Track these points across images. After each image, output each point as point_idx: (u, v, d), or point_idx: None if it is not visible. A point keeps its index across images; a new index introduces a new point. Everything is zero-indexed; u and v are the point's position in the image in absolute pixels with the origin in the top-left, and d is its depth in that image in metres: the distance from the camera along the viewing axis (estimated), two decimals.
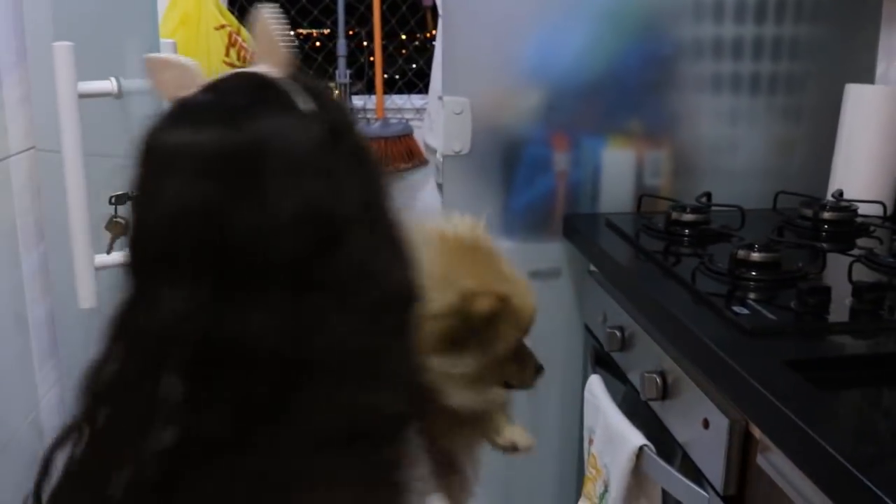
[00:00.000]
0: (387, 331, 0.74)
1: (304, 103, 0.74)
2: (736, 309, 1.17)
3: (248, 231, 0.70)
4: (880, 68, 1.82)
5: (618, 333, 1.48)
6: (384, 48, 2.89)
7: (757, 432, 1.05)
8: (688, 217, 1.57)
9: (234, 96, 0.76)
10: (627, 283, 1.49)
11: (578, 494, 1.77)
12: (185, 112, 0.75)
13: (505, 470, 1.81)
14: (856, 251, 1.48)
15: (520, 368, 1.01)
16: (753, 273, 1.30)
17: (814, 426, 0.87)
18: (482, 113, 1.72)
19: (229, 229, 0.70)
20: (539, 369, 1.03)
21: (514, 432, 1.05)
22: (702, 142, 1.81)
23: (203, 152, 0.71)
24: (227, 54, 2.68)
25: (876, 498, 0.75)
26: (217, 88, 0.77)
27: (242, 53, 2.68)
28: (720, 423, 1.11)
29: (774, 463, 1.01)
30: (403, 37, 3.04)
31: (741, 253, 1.30)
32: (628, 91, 1.76)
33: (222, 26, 2.66)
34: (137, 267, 0.73)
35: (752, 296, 1.24)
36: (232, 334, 0.69)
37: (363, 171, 0.77)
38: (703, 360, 1.13)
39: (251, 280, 0.70)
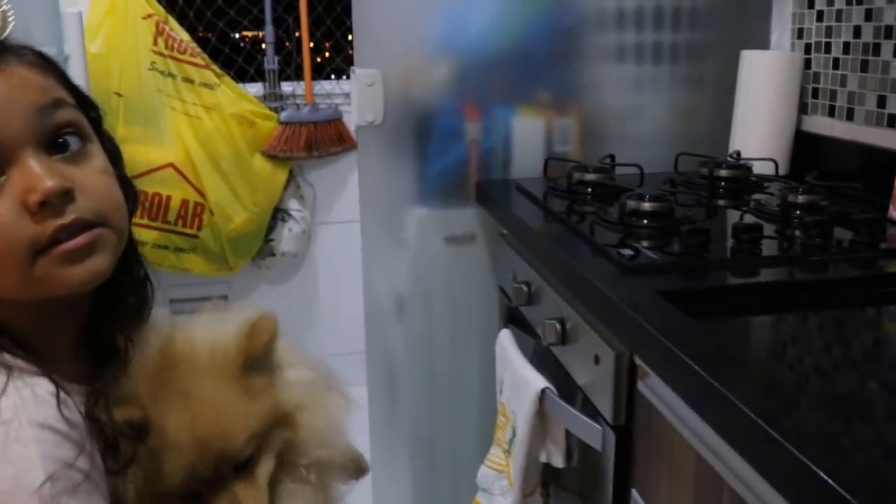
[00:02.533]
0: None
1: None
2: (622, 251, 1.24)
3: None
4: (774, 36, 1.91)
5: (524, 288, 1.55)
6: (311, 34, 2.93)
7: (639, 361, 1.13)
8: (590, 177, 1.64)
9: None
10: (534, 242, 1.56)
11: None
12: None
13: (429, 426, 1.88)
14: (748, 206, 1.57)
15: None
16: (644, 221, 1.37)
17: (683, 349, 0.94)
18: (394, 84, 1.78)
19: None
20: None
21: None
22: (608, 109, 1.88)
23: None
24: (155, 43, 2.71)
25: (737, 411, 0.81)
26: None
27: (170, 42, 2.71)
28: (608, 356, 1.18)
29: (654, 388, 1.08)
30: (328, 22, 3.08)
31: (631, 203, 1.38)
32: (536, 61, 1.84)
33: (149, 15, 2.69)
34: None
35: (641, 242, 1.32)
36: None
37: None
38: (591, 300, 1.20)
39: None
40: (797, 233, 1.35)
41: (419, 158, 1.83)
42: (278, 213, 2.94)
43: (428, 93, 1.80)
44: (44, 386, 0.77)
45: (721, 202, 1.62)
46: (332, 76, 3.09)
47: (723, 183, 1.68)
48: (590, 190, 1.64)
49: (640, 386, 1.10)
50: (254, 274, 2.98)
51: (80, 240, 0.80)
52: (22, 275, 0.78)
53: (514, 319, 1.70)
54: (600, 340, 1.21)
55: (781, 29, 1.89)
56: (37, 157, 0.78)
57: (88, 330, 0.91)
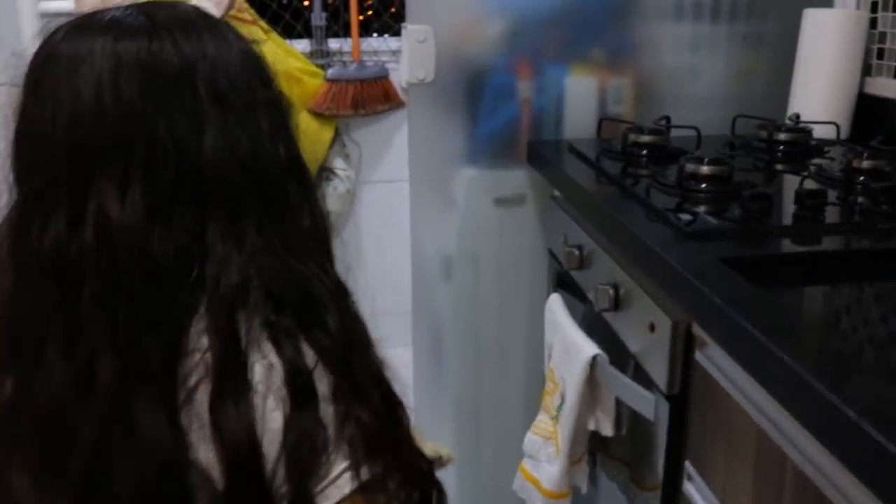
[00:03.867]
0: None
1: (233, 36, 0.79)
2: (680, 216, 1.21)
3: (178, 139, 0.74)
4: None
5: (576, 252, 1.52)
6: None
7: (697, 330, 1.10)
8: (645, 138, 1.60)
9: (165, 15, 0.79)
10: (587, 205, 1.53)
11: None
12: (107, 23, 0.78)
13: (475, 390, 1.86)
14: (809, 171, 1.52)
15: None
16: (703, 185, 1.33)
17: (746, 318, 0.91)
18: (446, 41, 1.75)
19: (160, 134, 0.74)
20: None
21: (435, 447, 1.06)
22: (663, 69, 1.83)
23: (129, 58, 0.75)
24: None
25: (803, 383, 0.78)
26: (142, 9, 0.80)
27: None
28: (664, 324, 1.15)
29: (712, 357, 1.05)
30: None
31: (690, 167, 1.34)
32: (591, 19, 1.79)
33: None
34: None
35: (700, 207, 1.28)
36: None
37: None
38: (648, 266, 1.17)
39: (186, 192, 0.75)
40: (861, 199, 1.30)
41: (470, 117, 1.80)
42: (323, 172, 2.91)
43: (480, 50, 1.77)
44: None
45: (780, 166, 1.57)
46: (378, 33, 3.06)
47: (782, 147, 1.63)
48: (645, 152, 1.60)
49: (698, 355, 1.07)
50: None
51: None
52: None
53: (563, 284, 1.67)
54: (656, 307, 1.18)
55: None
56: None
57: None
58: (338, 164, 2.95)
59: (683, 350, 1.13)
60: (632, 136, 1.60)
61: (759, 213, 1.20)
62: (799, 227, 1.21)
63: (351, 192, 3.02)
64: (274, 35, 2.77)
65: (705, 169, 1.34)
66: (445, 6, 1.74)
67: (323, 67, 2.89)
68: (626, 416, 1.36)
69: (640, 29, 1.81)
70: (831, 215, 1.24)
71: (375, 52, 3.03)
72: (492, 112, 1.79)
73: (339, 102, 2.84)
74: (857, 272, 1.10)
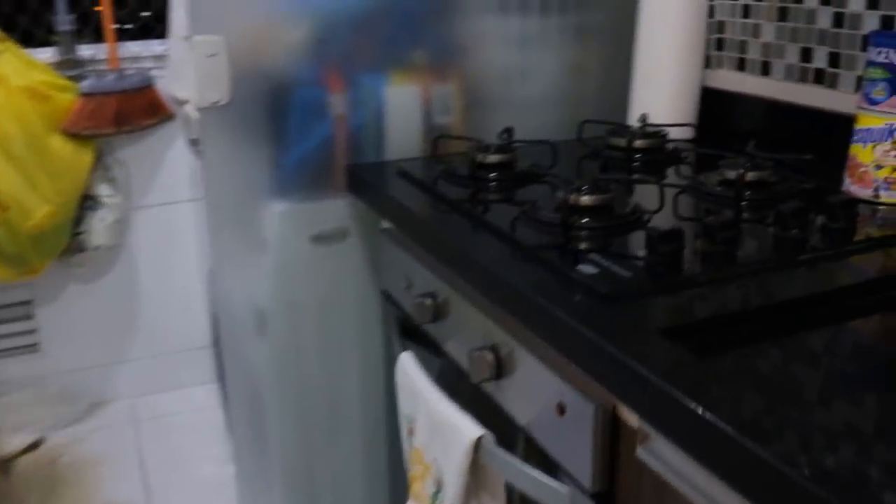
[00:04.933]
0: None
1: None
2: (582, 268, 0.98)
3: None
4: None
5: (428, 301, 1.26)
6: None
7: (631, 417, 0.87)
8: (493, 158, 1.36)
9: None
10: (432, 240, 1.26)
11: (391, 490, 1.58)
12: None
13: (306, 458, 1.59)
14: (673, 180, 1.34)
15: None
16: (585, 220, 1.11)
17: (697, 398, 0.70)
18: (240, 53, 1.43)
19: None
20: None
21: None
22: (492, 71, 1.60)
23: None
24: None
25: (779, 475, 0.60)
26: None
27: None
28: (580, 407, 0.92)
29: (655, 450, 0.83)
30: None
31: (571, 197, 1.11)
32: (407, 18, 1.53)
33: None
34: None
35: (584, 246, 1.06)
36: None
37: None
38: (553, 334, 0.93)
39: None
40: (772, 225, 1.12)
41: (275, 142, 1.48)
42: (86, 201, 2.52)
43: (282, 61, 1.46)
44: None
45: (642, 178, 1.38)
46: (138, 37, 2.66)
47: (639, 155, 1.44)
48: (494, 174, 1.36)
49: (640, 451, 0.85)
50: (61, 273, 2.55)
51: None
52: None
53: (407, 333, 1.42)
54: (562, 383, 0.95)
55: None
56: None
57: None
58: (102, 190, 2.56)
59: (610, 440, 0.91)
60: (479, 157, 1.36)
61: (670, 256, 0.99)
62: (723, 271, 1.00)
63: (121, 222, 2.63)
64: (11, 44, 2.34)
65: (586, 199, 1.11)
66: (237, 10, 1.42)
67: (75, 80, 2.49)
68: (518, 500, 1.12)
69: (462, 26, 1.57)
70: (749, 249, 1.05)
71: (136, 59, 2.65)
72: (300, 134, 1.49)
73: (98, 120, 2.45)
74: (808, 319, 0.91)
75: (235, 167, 1.50)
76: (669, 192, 1.24)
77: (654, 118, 1.53)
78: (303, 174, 1.51)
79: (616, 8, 1.64)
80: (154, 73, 2.55)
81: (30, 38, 2.49)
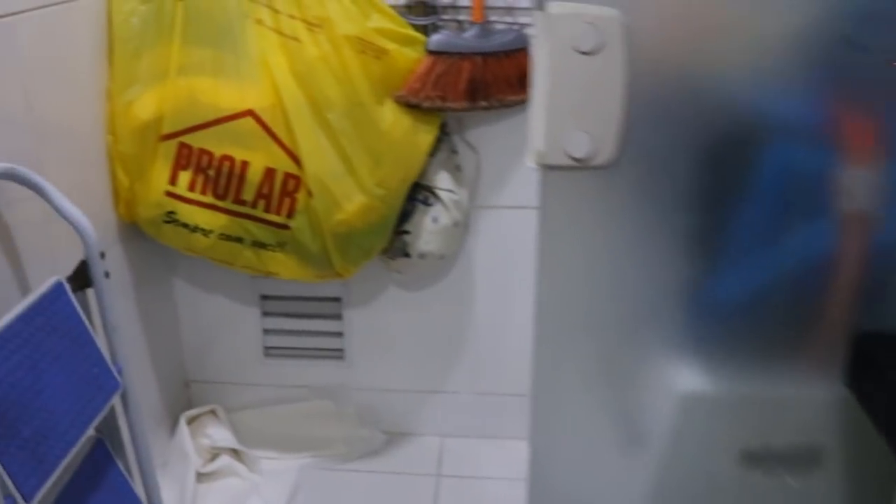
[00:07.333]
0: None
1: None
2: None
3: None
4: None
5: None
6: None
7: None
8: None
9: None
10: None
11: None
12: None
13: None
14: None
15: None
16: None
17: None
18: (653, 51, 0.65)
19: None
20: None
21: None
22: None
23: None
24: None
25: None
26: None
27: None
28: None
29: None
30: None
31: None
32: None
33: None
34: None
35: None
36: None
37: None
38: None
39: None
40: None
41: (705, 249, 0.70)
42: (419, 193, 1.93)
43: (741, 79, 0.66)
44: None
45: None
46: None
47: None
48: None
49: None
50: (375, 275, 2.06)
51: None
52: None
53: None
54: None
55: None
56: None
57: None
58: (442, 182, 1.94)
59: None
60: None
61: None
62: None
63: (460, 226, 2.01)
64: None
65: None
66: None
67: (423, 31, 1.89)
68: None
69: None
70: None
71: (510, 10, 1.97)
72: (762, 241, 0.69)
73: (447, 89, 1.82)
74: None
75: (601, 275, 0.74)
76: None
77: None
78: (743, 324, 0.71)
79: None
80: (532, 31, 1.88)
81: None
